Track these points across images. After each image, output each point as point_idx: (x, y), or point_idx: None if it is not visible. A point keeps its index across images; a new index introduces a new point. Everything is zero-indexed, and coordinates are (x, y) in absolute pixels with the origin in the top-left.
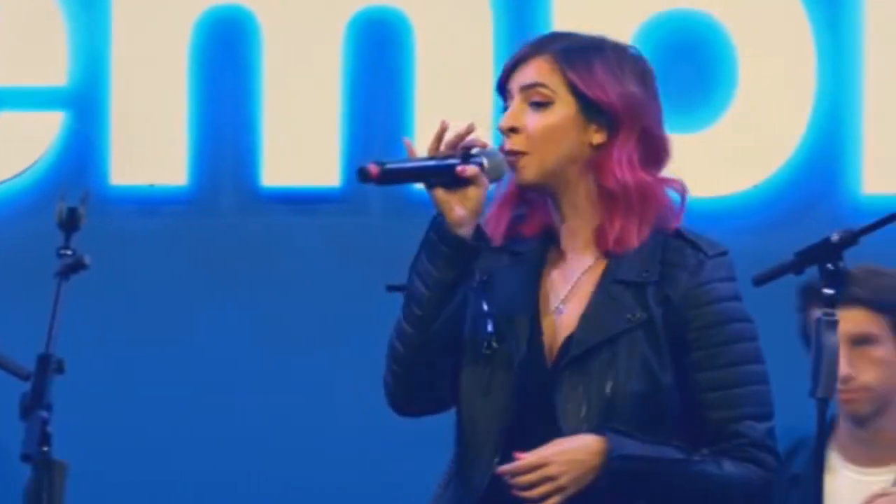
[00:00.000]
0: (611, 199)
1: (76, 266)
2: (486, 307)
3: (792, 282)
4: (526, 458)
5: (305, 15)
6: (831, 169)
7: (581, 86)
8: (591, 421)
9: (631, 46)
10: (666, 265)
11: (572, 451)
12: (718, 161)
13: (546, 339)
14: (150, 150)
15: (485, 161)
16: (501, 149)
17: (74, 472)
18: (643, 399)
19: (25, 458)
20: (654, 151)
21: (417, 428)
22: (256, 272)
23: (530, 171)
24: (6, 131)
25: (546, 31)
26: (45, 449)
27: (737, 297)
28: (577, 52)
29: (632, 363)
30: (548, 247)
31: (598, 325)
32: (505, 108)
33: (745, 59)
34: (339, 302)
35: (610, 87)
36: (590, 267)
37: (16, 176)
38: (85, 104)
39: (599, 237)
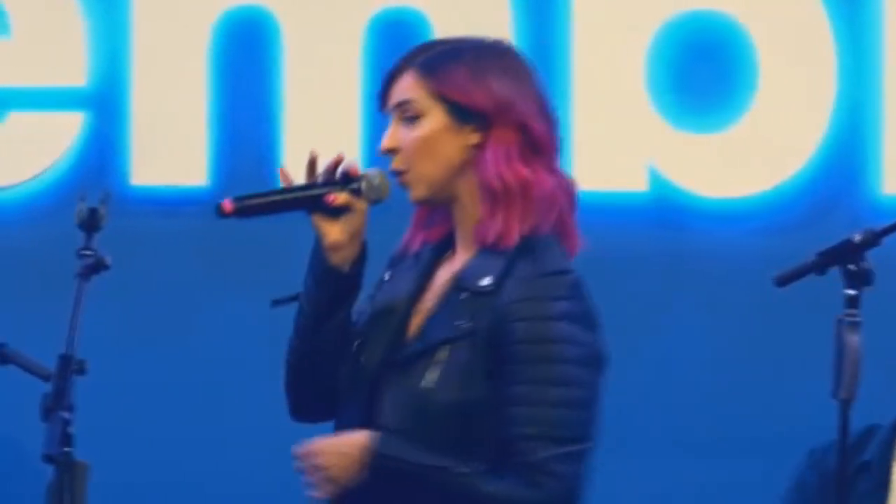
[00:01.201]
0: (492, 196)
1: (97, 267)
2: (355, 316)
3: (812, 283)
4: (300, 448)
5: (325, 15)
6: (851, 169)
7: (444, 92)
8: (404, 426)
9: (499, 42)
10: (505, 276)
11: (341, 444)
12: (739, 162)
13: (408, 339)
14: (171, 151)
15: (363, 185)
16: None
17: (95, 473)
18: (454, 409)
19: (47, 458)
20: (535, 143)
21: None
22: (276, 273)
23: (417, 188)
24: (26, 132)
25: (562, 32)
26: (67, 450)
27: (566, 318)
28: (436, 60)
29: (449, 372)
30: (445, 249)
31: (429, 330)
32: None
33: (766, 59)
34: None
35: (473, 88)
36: (456, 272)
37: (36, 177)
38: (105, 105)
39: (478, 232)
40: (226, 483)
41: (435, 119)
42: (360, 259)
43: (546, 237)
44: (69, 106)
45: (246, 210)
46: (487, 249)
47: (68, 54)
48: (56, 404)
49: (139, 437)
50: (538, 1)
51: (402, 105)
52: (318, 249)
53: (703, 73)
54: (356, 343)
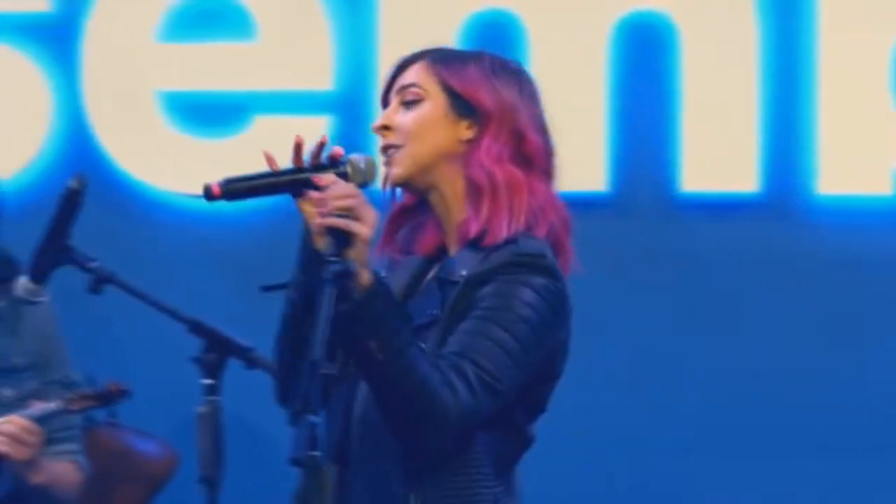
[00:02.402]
0: (477, 192)
1: (345, 273)
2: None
3: None
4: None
5: (571, 18)
6: None
7: (451, 81)
8: (368, 414)
9: (515, 60)
10: (480, 263)
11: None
12: None
13: None
14: None
15: (349, 168)
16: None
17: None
18: None
19: (295, 462)
20: (527, 154)
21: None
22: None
23: (401, 165)
24: (272, 136)
25: (807, 35)
26: (315, 454)
27: (535, 290)
28: (452, 55)
29: (314, 340)
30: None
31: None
32: None
33: None
34: (604, 307)
35: (480, 84)
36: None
37: None
38: (351, 108)
39: (462, 229)
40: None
41: (435, 105)
42: None
43: (539, 239)
44: (315, 109)
45: (232, 193)
46: (472, 245)
47: (314, 58)
48: (304, 409)
49: None
50: (783, 4)
51: (405, 88)
52: (305, 235)
53: None
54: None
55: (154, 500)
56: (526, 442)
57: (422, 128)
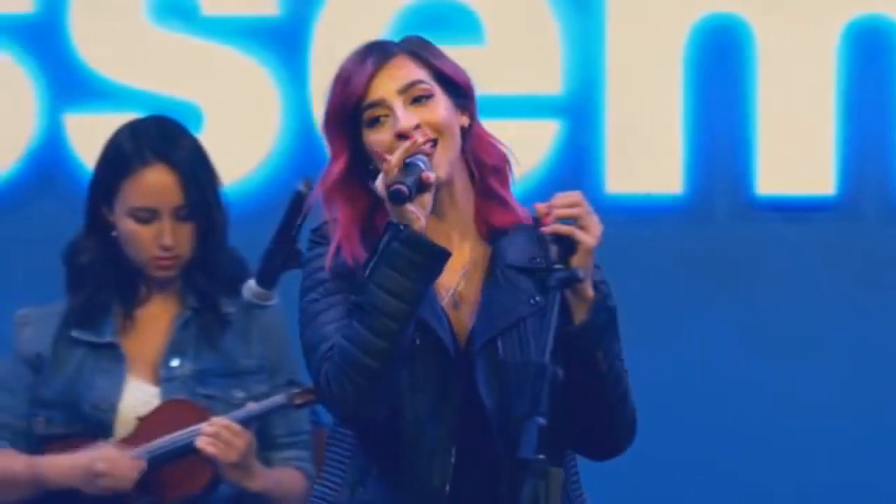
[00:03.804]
0: (493, 173)
1: (570, 280)
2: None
3: None
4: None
5: (800, 22)
6: None
7: (444, 70)
8: (509, 399)
9: None
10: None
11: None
12: None
13: (455, 330)
14: (647, 159)
15: (422, 164)
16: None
17: None
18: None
19: (521, 463)
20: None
21: None
22: (749, 280)
23: (443, 166)
24: (503, 139)
25: None
26: (541, 457)
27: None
28: (419, 45)
29: (540, 344)
30: None
31: (503, 310)
32: (373, 122)
33: None
34: (830, 310)
35: (462, 70)
36: (473, 257)
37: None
38: (580, 112)
39: (479, 220)
40: (712, 482)
41: (442, 98)
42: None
43: None
44: (544, 114)
45: (415, 192)
46: (505, 230)
47: (543, 62)
48: (531, 409)
49: None
50: None
51: (412, 85)
52: (411, 240)
53: None
54: (417, 338)
55: None
56: None
57: (448, 123)
